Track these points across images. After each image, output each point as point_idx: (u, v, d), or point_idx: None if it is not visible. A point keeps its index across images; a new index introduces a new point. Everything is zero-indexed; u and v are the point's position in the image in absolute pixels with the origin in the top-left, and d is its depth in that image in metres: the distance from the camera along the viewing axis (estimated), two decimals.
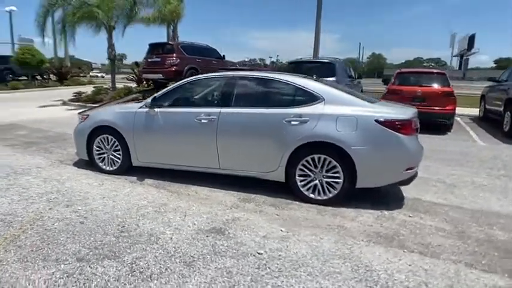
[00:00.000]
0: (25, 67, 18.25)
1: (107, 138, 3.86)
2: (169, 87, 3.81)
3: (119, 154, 3.84)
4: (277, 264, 2.08)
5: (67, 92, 14.26)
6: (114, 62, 13.03)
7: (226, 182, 3.53)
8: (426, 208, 3.13)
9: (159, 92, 3.77)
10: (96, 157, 3.96)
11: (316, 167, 3.09)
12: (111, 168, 3.91)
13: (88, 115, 4.07)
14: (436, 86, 7.13)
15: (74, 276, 1.89)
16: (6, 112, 9.21)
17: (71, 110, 10.08)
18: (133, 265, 2.01)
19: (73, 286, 1.80)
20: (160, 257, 2.12)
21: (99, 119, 3.92)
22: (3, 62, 18.97)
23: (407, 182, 3.11)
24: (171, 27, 16.14)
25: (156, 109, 3.61)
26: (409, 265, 2.13)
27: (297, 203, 3.16)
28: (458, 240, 2.51)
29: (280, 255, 2.19)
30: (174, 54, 10.95)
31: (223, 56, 13.46)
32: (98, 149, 3.93)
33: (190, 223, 2.64)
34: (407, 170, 2.98)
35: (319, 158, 3.08)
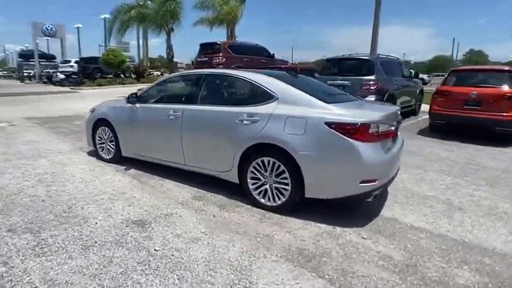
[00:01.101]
0: (109, 66, 21.71)
1: (104, 129, 4.39)
2: (151, 85, 4.12)
3: (113, 144, 4.33)
4: (160, 263, 2.10)
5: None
6: (172, 61, 14.45)
7: (201, 180, 3.54)
8: (394, 231, 2.65)
9: (143, 89, 4.11)
10: (98, 146, 4.54)
11: (266, 170, 2.94)
12: (108, 157, 4.43)
13: (94, 108, 4.69)
14: (499, 87, 5.79)
15: None
16: (81, 105, 11.15)
17: None
18: (42, 241, 2.30)
19: None
20: (70, 237, 2.37)
21: (99, 112, 4.48)
22: (94, 62, 23.05)
23: (365, 197, 2.69)
24: (230, 28, 16.99)
25: (137, 104, 3.94)
26: None
27: (248, 206, 3.06)
28: (394, 275, 2.07)
29: (172, 255, 2.19)
30: (220, 54, 11.54)
31: (273, 54, 13.57)
32: (99, 139, 4.51)
33: (125, 213, 2.85)
34: (363, 182, 2.58)
35: (268, 161, 2.91)
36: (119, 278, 1.93)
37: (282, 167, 2.82)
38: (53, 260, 2.07)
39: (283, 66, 11.26)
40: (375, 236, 2.56)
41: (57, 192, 3.28)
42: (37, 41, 31.65)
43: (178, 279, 1.94)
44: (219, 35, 17.46)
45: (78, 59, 24.35)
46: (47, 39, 34.96)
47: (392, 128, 2.84)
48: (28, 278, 1.91)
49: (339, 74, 7.86)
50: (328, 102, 2.85)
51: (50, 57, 32.81)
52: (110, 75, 22.81)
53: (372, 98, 7.15)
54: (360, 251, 2.34)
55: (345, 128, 2.57)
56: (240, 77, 3.33)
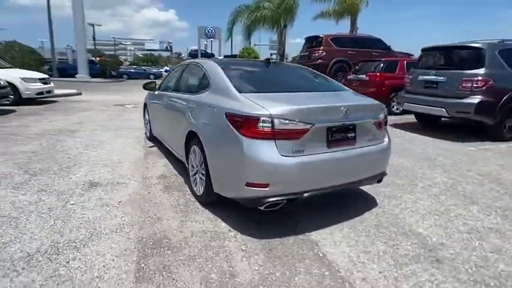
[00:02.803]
0: None
1: (144, 112, 5.49)
2: (166, 74, 4.80)
3: (148, 124, 5.36)
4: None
5: None
6: (283, 57, 15.08)
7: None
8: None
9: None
10: (145, 125, 5.72)
11: (196, 159, 3.02)
12: (147, 134, 5.53)
13: None
14: None
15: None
16: None
17: None
18: (30, 171, 3.38)
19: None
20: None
21: (145, 97, 5.59)
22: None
23: (256, 203, 2.35)
24: (353, 19, 15.95)
25: (156, 92, 4.72)
26: None
27: (189, 192, 3.26)
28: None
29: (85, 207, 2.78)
30: (321, 48, 11.22)
31: (389, 47, 11.91)
32: (145, 120, 5.66)
33: (97, 175, 3.65)
34: (249, 185, 2.28)
35: (194, 150, 3.00)
36: None
37: (202, 157, 2.84)
38: None
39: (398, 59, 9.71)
40: (254, 253, 2.25)
41: (72, 150, 4.55)
42: (205, 42, 39.90)
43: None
44: (343, 28, 16.69)
45: (222, 57, 29.09)
46: (211, 40, 43.56)
47: (308, 126, 2.29)
48: None
49: (435, 67, 6.24)
50: (251, 92, 2.62)
51: (210, 55, 40.54)
52: None
53: (475, 99, 5.36)
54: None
55: (234, 120, 2.34)
56: (199, 66, 3.47)
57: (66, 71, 23.98)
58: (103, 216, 2.69)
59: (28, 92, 8.72)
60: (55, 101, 10.34)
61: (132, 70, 32.65)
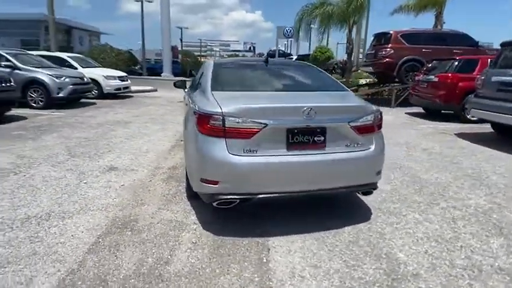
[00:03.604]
0: (317, 62, 24.32)
1: None
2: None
3: None
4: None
5: None
6: (351, 56, 14.27)
7: None
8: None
9: None
10: None
11: None
12: None
13: None
14: None
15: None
16: None
17: None
18: (72, 153, 4.12)
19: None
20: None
21: None
22: (305, 59, 26.57)
23: (208, 199, 2.42)
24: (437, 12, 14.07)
25: (186, 90, 5.14)
26: None
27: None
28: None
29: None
30: (389, 45, 10.32)
31: (477, 43, 10.16)
32: None
33: (119, 162, 4.22)
34: (202, 181, 2.38)
35: None
36: None
37: None
38: None
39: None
40: (201, 247, 2.34)
41: (104, 127, 5.26)
42: (285, 42, 40.71)
43: None
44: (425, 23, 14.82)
45: (296, 57, 29.04)
46: (290, 40, 44.15)
47: (260, 126, 2.24)
48: None
49: None
50: (222, 90, 2.69)
51: (287, 55, 40.90)
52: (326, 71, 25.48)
53: None
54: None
55: (196, 117, 2.46)
56: (203, 65, 3.66)
57: (155, 70, 27.41)
58: (100, 196, 3.14)
59: (108, 88, 10.41)
60: (131, 96, 12.05)
61: None
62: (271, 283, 1.97)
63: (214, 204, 2.41)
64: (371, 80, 14.41)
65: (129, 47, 33.03)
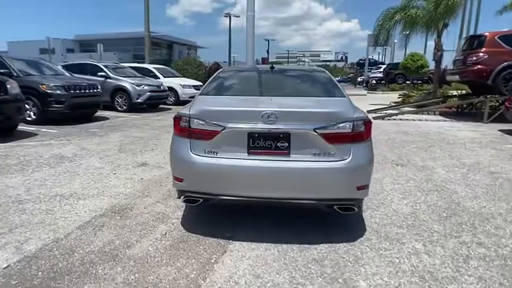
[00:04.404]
0: (408, 72, 22.15)
1: None
2: None
3: None
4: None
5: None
6: (439, 64, 12.59)
7: None
8: None
9: None
10: None
11: None
12: None
13: None
14: None
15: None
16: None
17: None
18: (122, 149, 4.90)
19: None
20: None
21: None
22: (395, 68, 24.44)
23: (179, 195, 2.61)
24: None
25: None
26: None
27: None
28: None
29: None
30: (482, 49, 8.82)
31: None
32: None
33: (153, 159, 4.79)
34: (174, 178, 2.59)
35: None
36: None
37: None
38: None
39: None
40: (167, 239, 2.55)
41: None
42: (379, 50, 38.55)
43: None
44: None
45: (385, 65, 27.03)
46: (384, 48, 41.44)
47: (219, 128, 2.30)
48: None
49: None
50: (208, 95, 2.88)
51: (377, 64, 38.43)
52: (419, 81, 23.10)
53: None
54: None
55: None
56: None
57: None
58: (118, 186, 3.68)
59: (184, 96, 11.74)
60: None
61: None
62: (201, 282, 2.03)
63: (182, 200, 2.59)
64: (464, 91, 12.45)
65: (224, 59, 36.20)
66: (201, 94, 2.90)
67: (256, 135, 2.33)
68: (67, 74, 8.09)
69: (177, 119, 2.53)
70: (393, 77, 25.07)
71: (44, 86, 6.73)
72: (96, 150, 5.15)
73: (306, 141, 2.31)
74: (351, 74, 53.19)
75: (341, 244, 2.50)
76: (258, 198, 2.41)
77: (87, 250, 2.35)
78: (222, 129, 2.34)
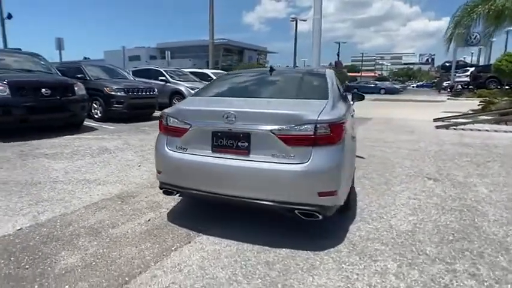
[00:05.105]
0: (502, 75, 19.13)
1: None
2: None
3: None
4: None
5: None
6: None
7: None
8: None
9: None
10: None
11: None
12: None
13: None
14: None
15: None
16: (417, 113, 12.69)
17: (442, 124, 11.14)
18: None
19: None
20: None
21: None
22: (486, 71, 21.22)
23: (160, 187, 2.88)
24: None
25: None
26: None
27: None
28: None
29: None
30: None
31: None
32: None
33: None
34: (157, 171, 2.89)
35: None
36: None
37: None
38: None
39: None
40: (142, 225, 2.86)
41: None
42: (472, 51, 34.44)
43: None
44: None
45: (473, 68, 23.78)
46: (479, 47, 36.47)
47: (187, 126, 2.50)
48: None
49: None
50: (196, 96, 3.12)
51: (462, 66, 34.03)
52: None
53: None
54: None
55: None
56: None
57: None
58: (136, 176, 4.17)
59: None
60: None
61: (362, 84, 33.92)
62: (152, 264, 2.25)
63: (162, 192, 2.87)
64: None
65: (290, 64, 36.48)
66: (192, 95, 3.16)
67: (219, 134, 2.47)
68: (130, 78, 9.30)
69: (161, 117, 2.82)
70: (483, 81, 21.92)
71: (107, 88, 7.91)
72: (136, 145, 5.86)
73: (265, 142, 2.36)
74: (437, 79, 48.19)
75: (304, 251, 2.45)
76: (222, 195, 2.53)
77: (80, 225, 2.80)
78: (189, 127, 2.54)
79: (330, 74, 3.35)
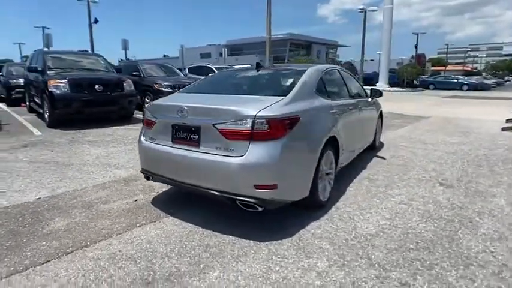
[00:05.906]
0: None
1: None
2: None
3: None
4: None
5: None
6: None
7: None
8: None
9: None
10: None
11: None
12: None
13: None
14: None
15: None
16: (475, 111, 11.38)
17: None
18: None
19: None
20: None
21: None
22: None
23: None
24: None
25: None
26: None
27: None
28: None
29: None
30: None
31: None
32: None
33: None
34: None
35: None
36: None
37: None
38: None
39: None
40: (128, 203, 3.36)
41: None
42: None
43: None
44: None
45: None
46: None
47: (154, 119, 2.89)
48: None
49: None
50: (183, 92, 3.47)
51: None
52: None
53: None
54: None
55: None
56: None
57: (372, 79, 27.64)
58: None
59: None
60: None
61: (440, 79, 30.00)
62: (114, 235, 2.70)
63: (144, 176, 3.33)
64: None
65: (369, 56, 34.53)
66: (180, 91, 3.56)
67: (177, 126, 2.80)
68: (181, 75, 10.22)
69: (145, 111, 3.28)
70: None
71: (156, 85, 8.89)
72: None
73: (211, 136, 2.60)
74: None
75: (247, 241, 2.61)
76: (181, 183, 2.85)
77: (81, 199, 3.44)
78: (156, 120, 2.93)
79: (310, 72, 3.38)
